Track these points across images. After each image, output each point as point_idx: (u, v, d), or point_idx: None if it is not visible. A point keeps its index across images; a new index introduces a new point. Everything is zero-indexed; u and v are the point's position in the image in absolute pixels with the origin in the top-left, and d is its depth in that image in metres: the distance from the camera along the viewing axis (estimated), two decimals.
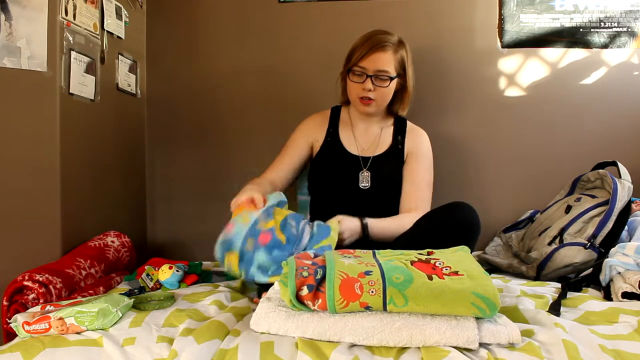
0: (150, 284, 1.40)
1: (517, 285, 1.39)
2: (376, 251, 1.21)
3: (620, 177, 1.55)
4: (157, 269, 1.43)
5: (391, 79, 1.57)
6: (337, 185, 1.62)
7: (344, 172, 1.62)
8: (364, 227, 1.45)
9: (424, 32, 1.97)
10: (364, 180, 1.60)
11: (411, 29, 1.96)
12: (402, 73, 1.61)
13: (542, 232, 1.63)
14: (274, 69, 2.01)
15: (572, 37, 1.94)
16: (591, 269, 1.41)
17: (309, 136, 1.70)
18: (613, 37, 1.94)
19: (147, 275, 1.42)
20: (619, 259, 1.28)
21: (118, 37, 1.78)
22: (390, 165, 1.64)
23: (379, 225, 1.48)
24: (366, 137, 1.68)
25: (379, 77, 1.56)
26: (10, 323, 1.10)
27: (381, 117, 1.70)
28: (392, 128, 1.70)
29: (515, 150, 1.98)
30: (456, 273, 1.05)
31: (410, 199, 1.60)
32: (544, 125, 1.97)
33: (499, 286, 1.36)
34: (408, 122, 1.72)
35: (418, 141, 1.68)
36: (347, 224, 1.41)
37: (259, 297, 1.32)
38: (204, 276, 1.51)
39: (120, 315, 1.13)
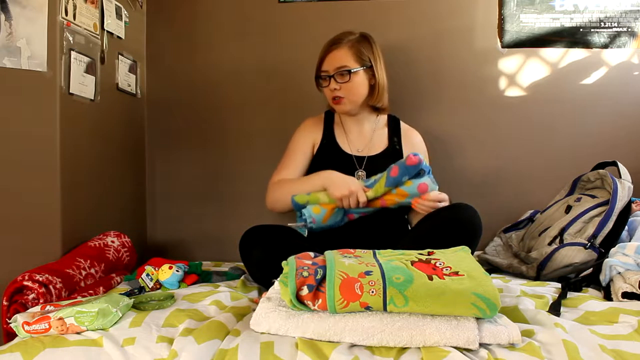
0: (150, 284, 1.40)
1: (517, 285, 1.39)
2: (376, 251, 1.21)
3: (620, 177, 1.55)
4: (157, 269, 1.43)
5: (350, 72, 1.58)
6: None
7: (340, 172, 1.62)
8: None
9: (424, 32, 1.97)
10: (360, 179, 1.60)
11: (411, 30, 1.97)
12: (367, 65, 1.61)
13: (542, 232, 1.63)
14: (274, 69, 2.01)
15: (572, 37, 1.94)
16: (591, 269, 1.41)
17: (310, 137, 1.71)
18: (613, 37, 1.93)
19: (147, 275, 1.42)
20: (619, 259, 1.28)
21: (118, 37, 1.78)
22: (388, 165, 1.64)
23: None
24: (360, 139, 1.70)
25: (339, 73, 1.59)
26: (10, 323, 1.10)
27: (367, 114, 1.71)
28: (386, 129, 1.72)
29: (515, 150, 1.98)
30: (456, 273, 1.05)
31: None
32: (544, 125, 1.97)
33: (499, 286, 1.36)
34: (402, 123, 1.73)
35: (415, 141, 1.72)
36: None
37: (259, 297, 1.32)
38: (204, 276, 1.51)
39: (120, 315, 1.12)
